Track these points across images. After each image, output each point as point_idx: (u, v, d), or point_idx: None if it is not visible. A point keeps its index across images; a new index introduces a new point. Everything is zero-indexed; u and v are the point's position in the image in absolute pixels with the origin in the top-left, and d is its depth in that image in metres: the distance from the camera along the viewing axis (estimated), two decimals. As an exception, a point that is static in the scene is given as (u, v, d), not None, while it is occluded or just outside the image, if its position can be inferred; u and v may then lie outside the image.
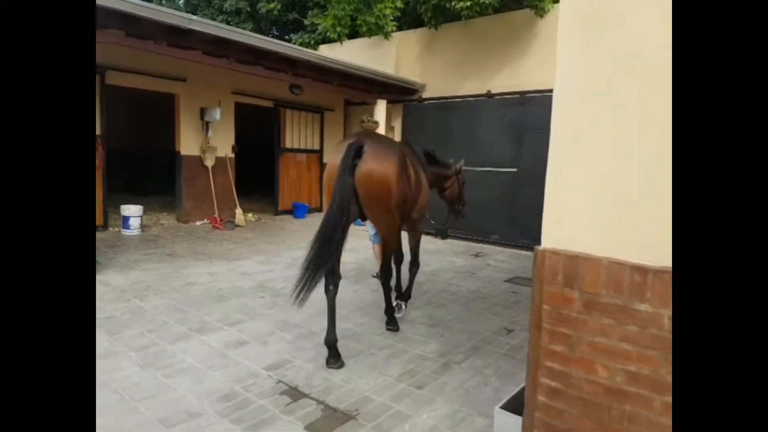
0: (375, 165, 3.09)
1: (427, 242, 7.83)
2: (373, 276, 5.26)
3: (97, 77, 6.80)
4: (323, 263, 2.96)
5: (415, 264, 4.20)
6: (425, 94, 9.03)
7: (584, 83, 1.53)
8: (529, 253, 7.23)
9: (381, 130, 9.07)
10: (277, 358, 3.17)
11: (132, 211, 7.15)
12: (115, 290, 4.47)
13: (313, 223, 9.36)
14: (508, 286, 5.22)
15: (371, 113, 9.01)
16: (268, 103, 9.38)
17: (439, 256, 6.81)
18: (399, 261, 4.19)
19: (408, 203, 3.47)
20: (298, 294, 2.91)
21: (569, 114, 1.55)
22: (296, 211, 9.83)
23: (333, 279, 3.17)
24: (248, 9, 13.12)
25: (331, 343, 3.10)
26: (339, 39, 8.55)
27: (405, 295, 4.22)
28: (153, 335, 3.46)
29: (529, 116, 7.43)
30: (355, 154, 3.03)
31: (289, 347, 3.35)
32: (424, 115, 8.94)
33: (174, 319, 3.82)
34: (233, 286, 4.83)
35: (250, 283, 4.98)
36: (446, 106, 8.58)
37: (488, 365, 3.11)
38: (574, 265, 1.43)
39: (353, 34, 9.16)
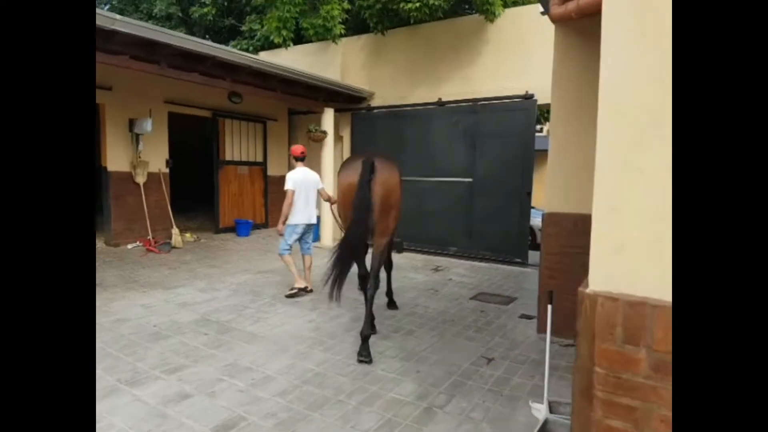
0: (388, 176, 3.69)
1: (383, 257, 7.45)
2: (288, 294, 5.01)
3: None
4: (347, 266, 3.60)
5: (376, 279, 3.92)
6: (374, 103, 8.69)
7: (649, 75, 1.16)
8: (488, 265, 7.04)
9: (329, 140, 8.63)
10: (228, 414, 2.62)
11: (47, 236, 6.19)
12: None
13: (258, 241, 8.77)
14: (475, 304, 4.92)
15: (318, 123, 8.54)
16: (206, 113, 8.65)
17: (399, 272, 6.43)
18: (389, 268, 4.72)
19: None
20: (332, 293, 3.58)
21: (625, 120, 1.18)
22: (239, 228, 9.10)
23: (370, 281, 3.64)
24: (179, 14, 12.24)
25: (365, 336, 3.44)
26: (284, 43, 8.05)
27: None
28: (69, 395, 2.79)
29: (482, 124, 7.29)
30: (370, 169, 3.54)
31: (242, 398, 2.80)
32: (374, 123, 8.59)
33: (101, 368, 3.15)
34: (171, 321, 4.18)
35: (190, 315, 4.34)
36: (397, 114, 8.28)
37: (475, 407, 2.73)
38: (639, 314, 1.09)
39: (297, 40, 8.68)
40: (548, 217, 3.83)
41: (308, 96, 8.09)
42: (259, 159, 9.79)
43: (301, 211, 5.05)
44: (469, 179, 7.42)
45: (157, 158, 7.92)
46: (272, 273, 6.10)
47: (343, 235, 3.73)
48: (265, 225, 9.96)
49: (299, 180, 5.02)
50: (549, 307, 2.42)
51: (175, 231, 7.81)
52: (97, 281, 5.44)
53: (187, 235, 8.34)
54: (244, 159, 9.45)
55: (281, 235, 5.09)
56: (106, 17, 4.71)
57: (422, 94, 8.00)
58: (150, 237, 7.57)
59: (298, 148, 5.21)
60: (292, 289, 5.11)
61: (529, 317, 4.43)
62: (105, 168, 7.29)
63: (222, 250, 7.70)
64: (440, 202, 7.72)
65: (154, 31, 5.27)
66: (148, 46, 5.39)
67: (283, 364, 3.30)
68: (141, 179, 7.60)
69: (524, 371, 3.25)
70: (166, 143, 8.12)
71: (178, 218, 8.34)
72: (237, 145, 9.30)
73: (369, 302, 3.52)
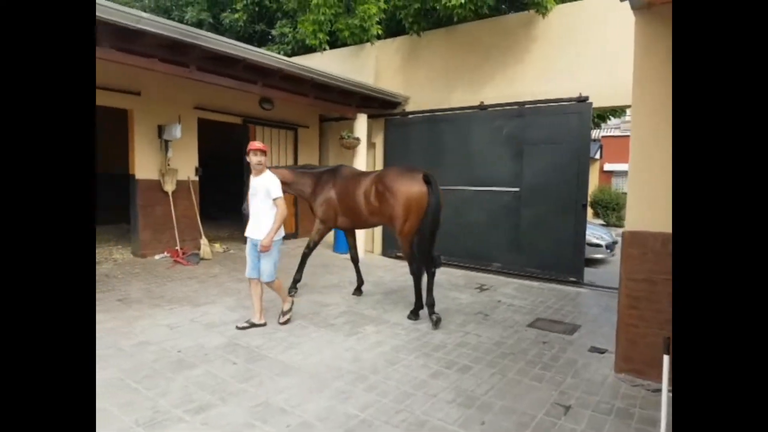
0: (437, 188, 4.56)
1: (421, 272, 6.97)
2: (239, 327, 4.20)
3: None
4: (430, 253, 4.54)
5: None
6: (409, 107, 8.25)
7: None
8: (539, 284, 6.45)
9: (362, 147, 8.23)
10: (261, 477, 2.19)
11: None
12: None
13: (287, 252, 8.43)
14: (535, 333, 4.35)
15: (351, 129, 8.16)
16: (236, 120, 8.38)
17: (439, 290, 5.93)
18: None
19: None
20: (419, 276, 4.59)
21: None
22: (269, 238, 8.77)
23: (432, 264, 4.60)
24: (210, 20, 12.13)
25: (430, 304, 4.52)
26: (320, 46, 7.72)
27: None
28: (80, 440, 2.41)
29: (529, 129, 6.73)
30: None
31: (276, 454, 2.37)
32: (409, 129, 8.13)
33: (118, 405, 2.80)
34: (197, 345, 3.81)
35: (218, 339, 3.97)
36: (433, 119, 7.80)
37: (563, 476, 2.22)
38: None
39: (330, 44, 8.34)
40: (630, 237, 3.27)
41: (341, 101, 7.72)
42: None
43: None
44: (515, 189, 6.86)
45: (186, 166, 7.67)
46: (303, 288, 5.70)
47: (418, 244, 4.56)
48: (294, 235, 9.63)
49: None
50: (666, 358, 1.89)
51: (203, 241, 7.54)
52: (122, 296, 5.16)
53: (217, 245, 8.06)
54: (275, 166, 9.14)
55: (263, 251, 4.11)
56: (131, 15, 4.43)
57: (461, 97, 7.51)
58: (178, 248, 7.30)
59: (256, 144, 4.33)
60: (246, 322, 4.29)
61: (601, 351, 3.85)
62: (133, 176, 7.08)
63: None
64: (482, 214, 7.18)
65: (182, 31, 4.97)
66: (177, 47, 5.11)
67: (321, 405, 2.86)
68: (169, 187, 7.36)
69: (614, 426, 2.70)
70: (195, 150, 7.88)
71: (207, 228, 8.07)
72: (268, 153, 9.01)
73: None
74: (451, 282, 6.50)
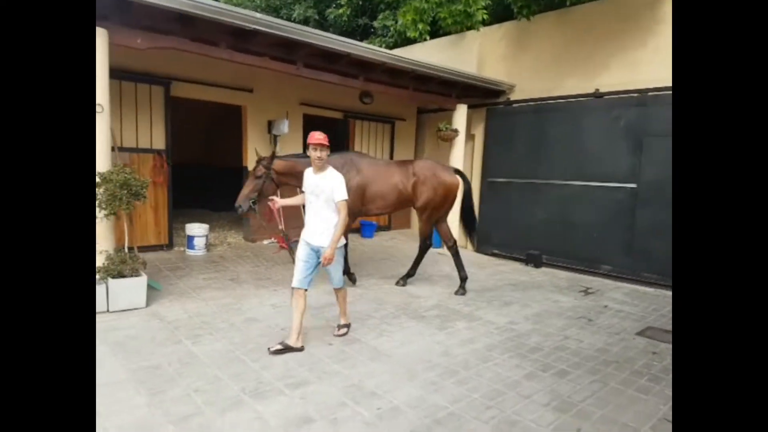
0: None
1: (520, 272, 6.78)
2: (272, 351, 3.56)
3: (162, 89, 6.55)
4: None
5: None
6: (514, 96, 8.00)
7: None
8: (654, 290, 5.93)
9: (460, 139, 8.18)
10: (352, 452, 2.36)
11: (197, 230, 6.78)
12: (168, 327, 3.96)
13: (380, 243, 8.71)
14: (644, 343, 4.04)
15: (449, 121, 8.13)
16: (338, 114, 8.82)
17: (539, 292, 5.73)
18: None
19: None
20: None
21: None
22: (364, 230, 9.14)
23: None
24: (316, 17, 12.81)
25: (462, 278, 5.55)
26: (420, 37, 7.79)
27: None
28: (200, 398, 2.80)
29: (651, 119, 6.17)
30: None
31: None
32: (512, 120, 7.89)
33: (228, 374, 3.16)
34: (297, 326, 4.13)
35: (315, 321, 4.27)
36: (540, 108, 7.48)
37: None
38: None
39: (432, 34, 8.37)
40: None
41: (441, 92, 7.73)
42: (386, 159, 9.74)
43: None
44: (632, 185, 6.34)
45: (291, 158, 8.27)
46: (395, 278, 5.87)
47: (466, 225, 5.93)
48: (387, 227, 9.92)
49: None
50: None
51: (305, 230, 8.07)
52: (233, 276, 5.75)
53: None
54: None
55: (326, 264, 3.63)
56: (247, 17, 4.88)
57: (573, 84, 7.10)
58: (283, 234, 7.92)
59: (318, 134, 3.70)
60: (281, 344, 3.61)
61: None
62: (246, 168, 7.80)
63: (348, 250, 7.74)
64: (591, 211, 6.75)
65: (293, 30, 5.36)
66: (287, 46, 5.52)
67: (411, 394, 2.97)
68: (277, 178, 7.99)
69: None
70: (300, 144, 8.45)
71: (308, 217, 8.62)
72: (366, 146, 9.35)
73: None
74: (553, 283, 6.23)
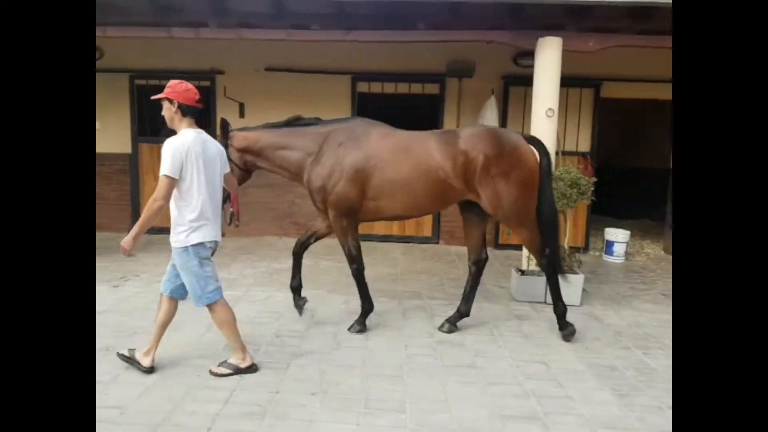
0: None
1: None
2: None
3: (592, 90, 6.75)
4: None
5: None
6: None
7: None
8: None
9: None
10: None
11: (618, 236, 6.68)
12: (609, 330, 4.08)
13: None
14: None
15: None
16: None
17: None
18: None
19: None
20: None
21: None
22: None
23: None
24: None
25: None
26: None
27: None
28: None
29: None
30: None
31: None
32: None
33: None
34: None
35: None
36: None
37: None
38: None
39: None
40: None
41: None
42: None
43: (210, 217, 2.88)
44: None
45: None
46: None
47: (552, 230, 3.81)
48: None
49: (198, 152, 2.79)
50: None
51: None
52: (664, 291, 5.30)
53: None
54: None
55: (123, 252, 2.75)
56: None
57: None
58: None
59: (192, 91, 2.83)
60: (223, 365, 3.03)
61: None
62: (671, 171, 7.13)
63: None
64: None
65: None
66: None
67: None
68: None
69: None
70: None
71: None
72: None
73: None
74: None
